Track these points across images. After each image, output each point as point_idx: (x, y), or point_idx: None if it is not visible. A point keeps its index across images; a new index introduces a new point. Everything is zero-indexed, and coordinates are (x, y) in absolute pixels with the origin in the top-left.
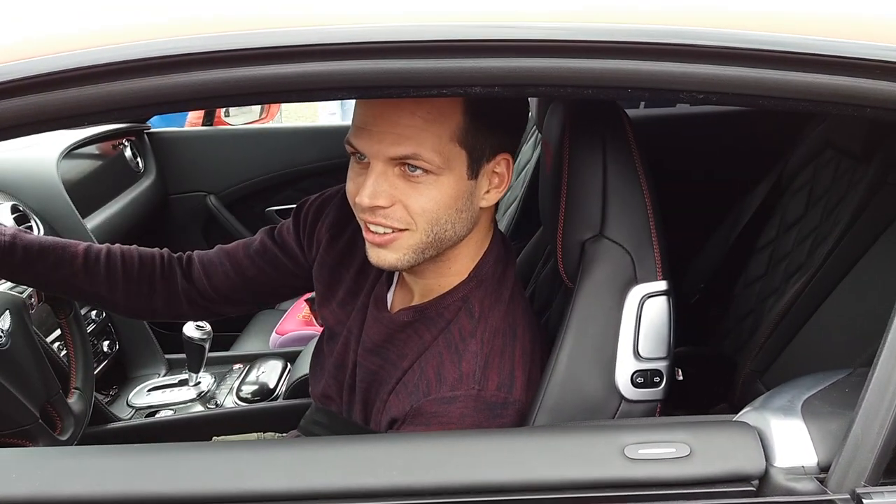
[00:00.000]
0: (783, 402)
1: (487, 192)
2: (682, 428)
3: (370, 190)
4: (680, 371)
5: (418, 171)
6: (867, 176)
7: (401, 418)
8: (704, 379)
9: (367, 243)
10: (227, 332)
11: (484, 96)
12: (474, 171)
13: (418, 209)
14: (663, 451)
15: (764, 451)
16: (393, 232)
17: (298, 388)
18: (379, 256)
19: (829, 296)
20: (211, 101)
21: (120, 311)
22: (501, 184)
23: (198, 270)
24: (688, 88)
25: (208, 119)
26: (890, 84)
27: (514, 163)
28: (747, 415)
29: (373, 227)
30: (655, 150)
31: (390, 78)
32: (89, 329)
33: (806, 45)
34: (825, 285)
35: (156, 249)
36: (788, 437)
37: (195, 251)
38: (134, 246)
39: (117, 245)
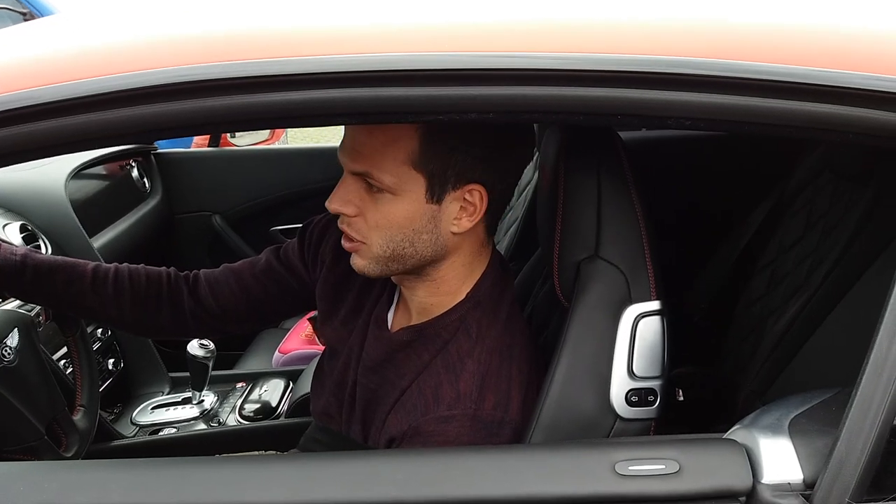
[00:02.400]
0: (771, 420)
1: (458, 219)
2: (672, 445)
3: (336, 196)
4: (680, 392)
5: (375, 189)
6: (864, 198)
7: (399, 437)
8: (705, 400)
9: None
10: (230, 350)
11: (478, 122)
12: (436, 196)
13: (373, 223)
14: (653, 468)
15: (751, 467)
16: (357, 242)
17: (300, 407)
18: (352, 260)
19: (828, 317)
20: (214, 126)
21: (128, 329)
22: (474, 213)
23: (204, 289)
24: (675, 115)
25: (214, 140)
26: (870, 112)
27: (488, 196)
28: (736, 432)
29: (345, 233)
30: (658, 172)
31: (388, 104)
32: (95, 347)
33: (787, 74)
34: (824, 306)
35: (163, 269)
36: (775, 455)
37: (202, 270)
38: (141, 265)
39: (125, 264)
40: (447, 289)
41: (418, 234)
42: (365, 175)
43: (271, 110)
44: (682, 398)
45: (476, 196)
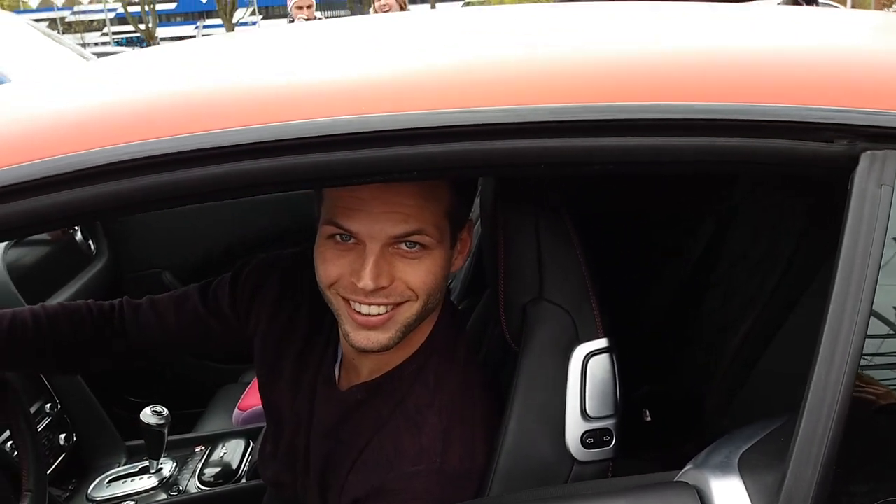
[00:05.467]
0: (721, 457)
1: (455, 258)
2: (624, 494)
3: (373, 273)
4: (647, 412)
5: (417, 248)
6: (805, 205)
7: (363, 498)
8: (672, 418)
9: (351, 328)
10: (189, 409)
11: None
12: (454, 241)
13: (419, 283)
14: None
15: None
16: (391, 309)
17: None
18: (369, 339)
19: (785, 325)
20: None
21: (52, 372)
22: (464, 249)
23: (129, 323)
24: (593, 161)
25: None
26: (782, 142)
27: (473, 226)
28: (688, 473)
29: (365, 310)
30: (599, 196)
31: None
32: (44, 424)
33: (693, 111)
34: (778, 315)
35: (82, 303)
36: (727, 495)
37: (125, 298)
38: (59, 303)
39: (40, 306)
40: (415, 340)
41: (443, 283)
42: (414, 234)
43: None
44: (649, 419)
45: (466, 231)
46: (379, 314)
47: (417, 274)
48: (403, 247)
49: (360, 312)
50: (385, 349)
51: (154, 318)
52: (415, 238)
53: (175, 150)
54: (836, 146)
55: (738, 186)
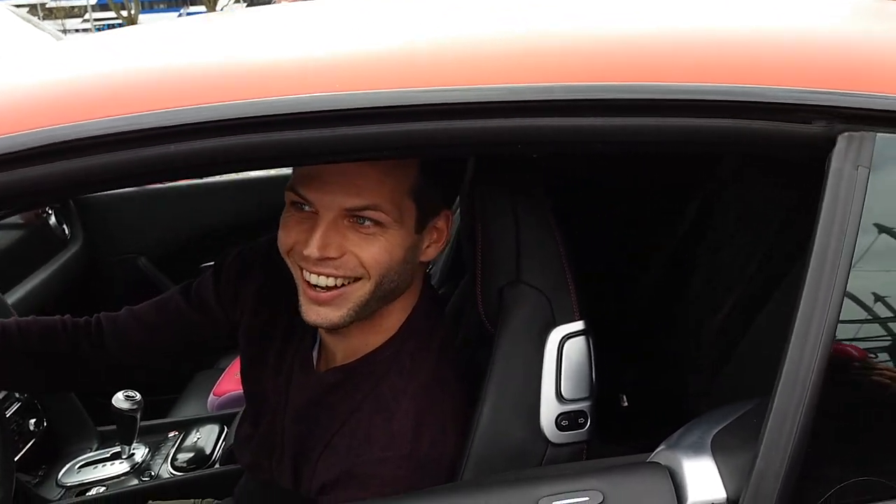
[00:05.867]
0: (693, 438)
1: (428, 246)
2: (596, 475)
3: (320, 242)
4: (625, 398)
5: (368, 223)
6: (790, 191)
7: (331, 483)
8: (651, 403)
9: (304, 301)
10: (164, 395)
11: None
12: (421, 226)
13: (370, 260)
14: (576, 501)
15: (675, 490)
16: (343, 286)
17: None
18: (318, 314)
19: (764, 311)
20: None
21: (27, 390)
22: (440, 239)
23: (107, 336)
24: (569, 141)
25: None
26: (760, 123)
27: (452, 217)
28: (660, 454)
29: (314, 280)
30: (582, 179)
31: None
32: (13, 408)
33: (673, 92)
34: (757, 299)
35: (57, 318)
36: (699, 475)
37: (102, 314)
38: (32, 317)
39: (13, 319)
40: (386, 325)
41: (405, 266)
42: (367, 209)
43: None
44: (626, 404)
45: (443, 222)
46: (327, 287)
47: (370, 251)
48: (357, 221)
49: (310, 283)
50: (336, 327)
51: (135, 324)
52: (368, 214)
53: (147, 126)
54: (814, 127)
55: (721, 171)
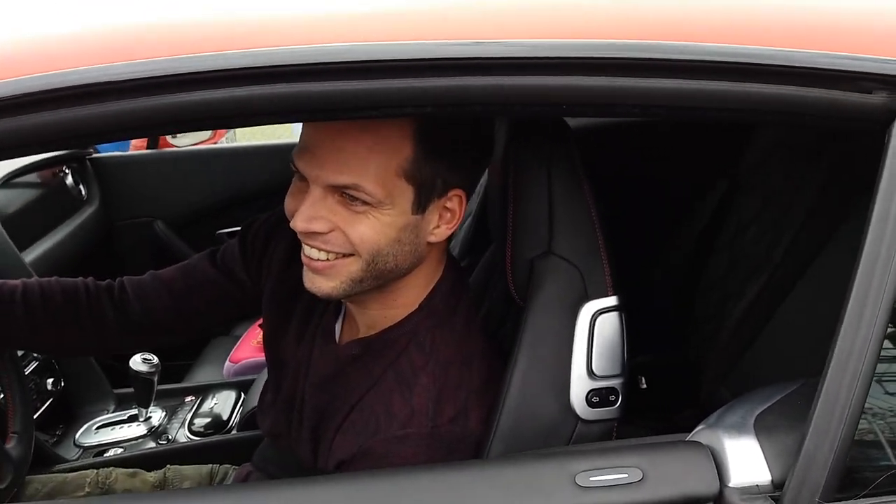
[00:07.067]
0: (736, 418)
1: (437, 227)
2: (634, 451)
3: (305, 214)
4: (643, 379)
5: (357, 202)
6: (818, 175)
7: (348, 460)
8: (669, 386)
9: (304, 268)
10: (179, 361)
11: (413, 115)
12: (422, 206)
13: (357, 238)
14: (615, 478)
15: (717, 471)
16: (335, 258)
17: (253, 419)
18: (313, 283)
19: (788, 297)
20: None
21: (49, 352)
22: (453, 219)
23: (131, 300)
24: (622, 102)
25: (153, 142)
26: (819, 91)
27: (468, 198)
28: (700, 433)
29: (307, 251)
30: (611, 156)
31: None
32: (31, 367)
33: (724, 54)
34: (783, 286)
35: (80, 280)
36: (742, 456)
37: (125, 278)
38: (55, 278)
39: (35, 280)
40: (404, 301)
41: (402, 246)
42: (349, 188)
43: (209, 108)
44: (644, 385)
45: (455, 202)
46: (319, 259)
47: (357, 229)
48: (346, 198)
49: (305, 254)
50: (330, 297)
51: (161, 289)
52: (351, 192)
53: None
54: (875, 98)
55: (750, 153)
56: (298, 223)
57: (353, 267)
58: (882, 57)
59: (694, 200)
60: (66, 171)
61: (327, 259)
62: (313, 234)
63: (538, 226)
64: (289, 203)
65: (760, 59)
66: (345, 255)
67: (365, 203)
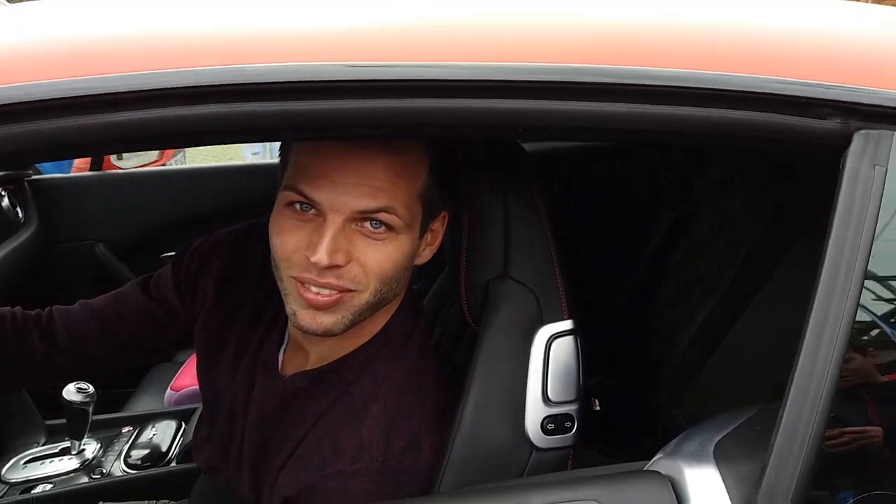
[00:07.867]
0: (695, 446)
1: (423, 249)
2: (592, 483)
3: (329, 247)
4: (597, 402)
5: (382, 228)
6: (769, 201)
7: (293, 497)
8: (622, 408)
9: (298, 305)
10: (118, 389)
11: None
12: (424, 229)
13: (375, 268)
14: None
15: (678, 501)
16: (340, 292)
17: None
18: (315, 320)
19: (737, 321)
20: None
21: None
22: (434, 241)
23: (58, 329)
24: (575, 126)
25: (96, 164)
26: (775, 116)
27: (450, 218)
28: (659, 462)
29: (315, 288)
30: (565, 184)
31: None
32: None
33: (683, 79)
34: (731, 310)
35: (7, 308)
36: (702, 485)
37: (55, 307)
38: None
39: None
40: (370, 328)
41: (404, 272)
42: (381, 211)
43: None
44: (598, 408)
45: (440, 223)
46: (329, 293)
47: (376, 258)
48: (368, 225)
49: (310, 290)
50: (329, 334)
51: (90, 318)
52: (382, 216)
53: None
54: (830, 124)
55: (703, 183)
56: (323, 257)
57: (358, 300)
58: (836, 84)
59: (650, 223)
60: (3, 193)
61: (331, 293)
62: (331, 269)
63: (494, 250)
64: (287, 241)
65: (717, 84)
66: (351, 290)
67: (389, 229)
